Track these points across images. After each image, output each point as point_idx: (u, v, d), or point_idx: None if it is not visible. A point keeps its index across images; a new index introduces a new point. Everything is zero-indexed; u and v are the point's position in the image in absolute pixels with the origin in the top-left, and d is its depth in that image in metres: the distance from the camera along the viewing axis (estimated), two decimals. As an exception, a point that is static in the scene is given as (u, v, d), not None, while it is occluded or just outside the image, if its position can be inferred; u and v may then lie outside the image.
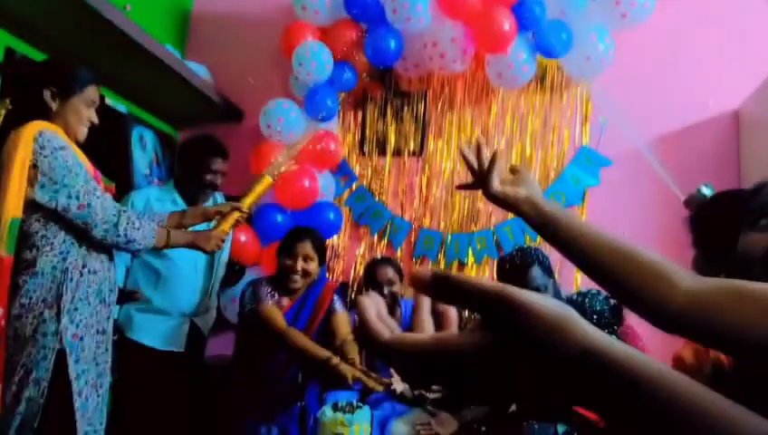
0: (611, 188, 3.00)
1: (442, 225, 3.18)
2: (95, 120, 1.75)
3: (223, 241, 1.97)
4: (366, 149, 3.30)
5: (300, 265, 2.20)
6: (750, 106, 2.86)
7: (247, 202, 2.06)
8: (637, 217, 2.88)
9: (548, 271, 2.00)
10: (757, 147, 2.79)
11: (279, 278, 2.25)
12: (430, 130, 3.26)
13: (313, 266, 2.27)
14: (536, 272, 1.89)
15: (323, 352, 1.97)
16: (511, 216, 3.10)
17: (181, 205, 2.34)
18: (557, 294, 1.91)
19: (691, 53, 3.04)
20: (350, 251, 3.25)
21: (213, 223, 2.07)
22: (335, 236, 3.20)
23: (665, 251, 0.76)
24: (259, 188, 2.10)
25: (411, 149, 3.26)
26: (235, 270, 2.49)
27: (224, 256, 2.50)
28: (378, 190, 3.27)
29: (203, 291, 2.37)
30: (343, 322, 2.23)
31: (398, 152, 3.27)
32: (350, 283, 3.19)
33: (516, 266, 1.93)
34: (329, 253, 3.10)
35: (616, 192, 2.98)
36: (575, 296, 1.96)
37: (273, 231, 2.98)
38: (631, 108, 3.01)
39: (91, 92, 1.73)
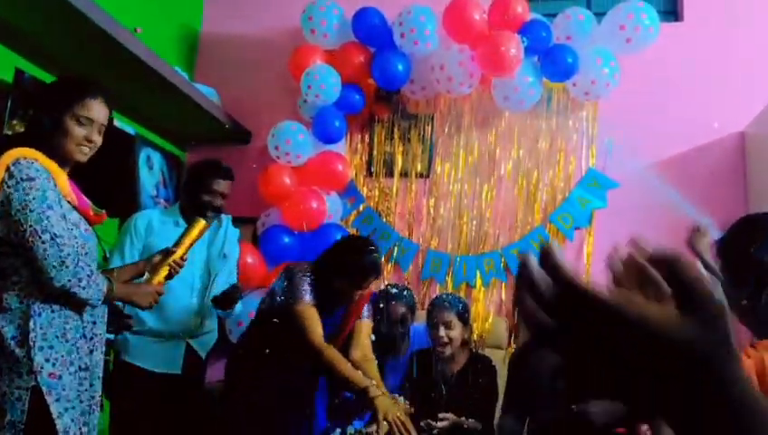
0: (619, 211, 2.99)
1: (449, 247, 3.16)
2: (94, 138, 1.60)
3: (157, 297, 1.78)
4: (373, 170, 3.31)
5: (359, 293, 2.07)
6: (756, 127, 2.87)
7: (180, 251, 1.88)
8: (645, 240, 2.86)
9: None
10: (764, 167, 2.79)
11: (327, 293, 2.01)
12: (437, 151, 3.27)
13: None
14: None
15: (362, 381, 1.80)
16: (518, 237, 3.09)
17: (183, 227, 2.30)
18: None
19: (696, 76, 3.06)
20: (356, 273, 3.22)
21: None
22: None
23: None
24: (193, 234, 1.95)
25: (418, 170, 3.26)
26: (228, 293, 2.32)
27: (220, 278, 2.41)
28: (385, 212, 3.26)
29: (197, 312, 2.33)
30: (366, 331, 2.12)
31: (405, 174, 3.27)
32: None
33: None
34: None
35: (623, 214, 2.96)
36: None
37: (279, 253, 2.96)
38: (638, 130, 3.02)
39: (88, 109, 1.58)
